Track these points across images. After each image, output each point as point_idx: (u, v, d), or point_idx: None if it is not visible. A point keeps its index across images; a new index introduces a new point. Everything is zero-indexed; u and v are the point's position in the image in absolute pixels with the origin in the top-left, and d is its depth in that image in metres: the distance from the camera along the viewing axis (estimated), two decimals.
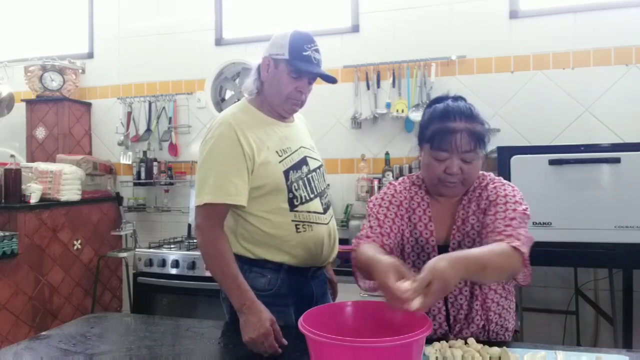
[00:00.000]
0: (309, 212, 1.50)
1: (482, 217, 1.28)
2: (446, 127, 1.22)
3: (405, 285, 0.94)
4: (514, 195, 1.26)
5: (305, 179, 1.51)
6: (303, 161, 1.53)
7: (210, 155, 1.39)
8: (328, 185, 1.66)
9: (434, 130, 1.25)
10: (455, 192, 1.30)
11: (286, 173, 1.46)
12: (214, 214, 1.38)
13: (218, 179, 1.36)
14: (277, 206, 1.45)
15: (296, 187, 1.47)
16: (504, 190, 1.27)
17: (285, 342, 1.28)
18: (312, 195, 1.52)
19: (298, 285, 1.52)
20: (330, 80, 1.49)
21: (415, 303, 0.91)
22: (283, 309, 1.46)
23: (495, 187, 1.29)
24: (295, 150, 1.52)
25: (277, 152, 1.46)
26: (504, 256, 1.08)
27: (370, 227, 1.31)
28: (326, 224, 1.54)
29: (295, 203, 1.47)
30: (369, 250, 1.17)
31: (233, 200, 1.37)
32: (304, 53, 1.42)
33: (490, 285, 1.30)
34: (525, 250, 1.12)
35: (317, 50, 1.46)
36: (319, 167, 1.59)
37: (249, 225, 1.46)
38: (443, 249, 1.31)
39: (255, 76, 1.51)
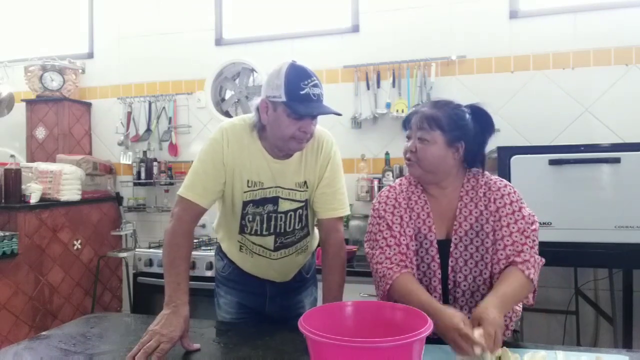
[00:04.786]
0: (254, 243, 1.55)
1: (491, 218, 1.33)
2: (415, 110, 1.42)
3: (477, 333, 1.07)
4: (518, 200, 1.35)
5: (264, 216, 1.50)
6: (270, 200, 1.49)
7: (199, 155, 1.48)
8: (304, 227, 1.57)
9: (408, 114, 1.45)
10: (413, 172, 1.41)
11: (245, 204, 1.49)
12: (188, 209, 1.44)
13: (193, 177, 1.45)
14: (232, 220, 1.54)
15: (250, 219, 1.51)
16: (510, 197, 1.35)
17: (197, 346, 1.27)
18: (265, 232, 1.52)
19: (247, 279, 1.63)
20: (334, 113, 1.37)
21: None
22: (231, 291, 1.65)
23: (499, 189, 1.36)
24: (268, 188, 1.47)
25: (247, 181, 1.47)
26: (524, 288, 1.26)
27: (385, 238, 1.36)
28: (273, 259, 1.57)
29: (245, 231, 1.54)
30: (416, 287, 1.27)
31: (197, 200, 1.43)
32: (302, 92, 1.31)
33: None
34: (536, 279, 1.28)
35: (315, 85, 1.34)
36: (293, 210, 1.51)
37: (220, 210, 1.62)
38: (443, 243, 1.35)
39: (256, 117, 1.43)
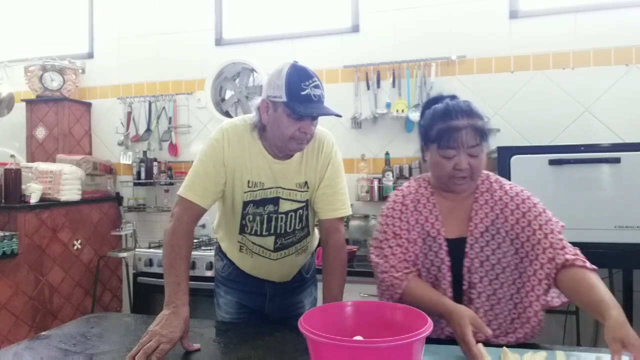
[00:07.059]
0: (254, 243, 1.55)
1: (507, 224, 1.31)
2: (450, 125, 1.28)
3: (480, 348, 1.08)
4: (539, 203, 1.34)
5: (264, 216, 1.50)
6: (271, 201, 1.49)
7: (199, 155, 1.48)
8: (304, 227, 1.57)
9: (439, 130, 1.30)
10: (466, 187, 1.34)
11: (245, 204, 1.49)
12: (188, 209, 1.43)
13: (193, 177, 1.45)
14: (232, 220, 1.54)
15: (250, 220, 1.51)
16: (531, 201, 1.33)
17: (197, 346, 1.27)
18: (265, 233, 1.52)
19: (246, 279, 1.63)
20: (334, 115, 1.38)
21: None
22: (230, 291, 1.65)
23: (517, 195, 1.34)
24: (268, 188, 1.48)
25: (248, 181, 1.47)
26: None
27: (390, 247, 1.36)
28: (272, 259, 1.57)
29: (246, 231, 1.54)
30: (425, 289, 1.28)
31: (197, 200, 1.43)
32: (302, 93, 1.31)
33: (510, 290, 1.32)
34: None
35: (316, 86, 1.34)
36: (294, 210, 1.52)
37: (220, 210, 1.62)
38: (456, 242, 1.33)
39: (257, 117, 1.43)
